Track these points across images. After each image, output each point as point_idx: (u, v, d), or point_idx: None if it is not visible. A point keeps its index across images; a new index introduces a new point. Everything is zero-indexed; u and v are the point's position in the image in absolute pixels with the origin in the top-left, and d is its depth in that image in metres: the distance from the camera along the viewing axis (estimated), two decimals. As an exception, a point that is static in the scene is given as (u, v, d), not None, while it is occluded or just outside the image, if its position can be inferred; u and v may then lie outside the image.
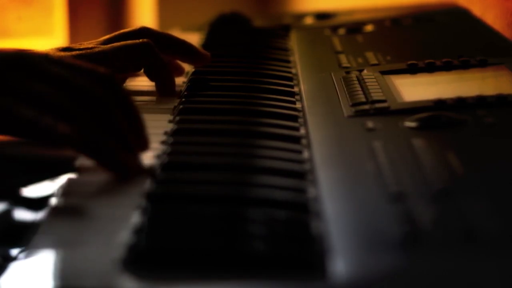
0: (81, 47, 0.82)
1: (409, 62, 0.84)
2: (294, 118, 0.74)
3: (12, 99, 0.63)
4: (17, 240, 0.53)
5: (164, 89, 0.83)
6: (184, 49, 0.86)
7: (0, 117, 0.63)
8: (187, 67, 0.93)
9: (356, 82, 0.80)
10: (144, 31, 0.83)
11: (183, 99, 0.79)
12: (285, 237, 0.52)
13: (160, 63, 0.81)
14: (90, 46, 0.82)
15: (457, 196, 0.54)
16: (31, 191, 1.07)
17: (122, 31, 0.85)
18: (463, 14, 1.10)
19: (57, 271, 0.50)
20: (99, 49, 0.81)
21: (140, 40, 0.80)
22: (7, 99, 0.63)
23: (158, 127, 0.72)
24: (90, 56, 0.80)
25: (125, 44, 0.81)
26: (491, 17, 1.09)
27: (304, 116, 0.74)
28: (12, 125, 0.63)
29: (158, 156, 0.65)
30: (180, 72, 0.90)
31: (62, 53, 0.80)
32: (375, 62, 0.88)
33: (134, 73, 0.88)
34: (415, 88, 0.78)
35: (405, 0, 1.44)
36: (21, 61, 0.65)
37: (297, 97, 0.81)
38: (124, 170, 0.63)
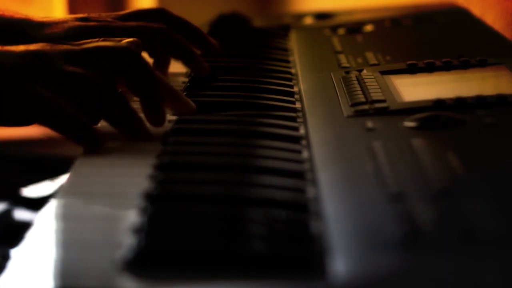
0: (99, 19, 0.83)
1: (408, 62, 0.84)
2: (294, 118, 0.74)
3: (53, 93, 0.68)
4: (17, 240, 0.53)
5: (193, 65, 0.87)
6: (197, 36, 0.89)
7: (40, 108, 0.68)
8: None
9: (356, 82, 0.80)
10: (161, 12, 0.85)
11: (183, 99, 0.79)
12: (285, 237, 0.52)
13: (181, 45, 0.83)
14: (108, 19, 0.84)
15: (457, 196, 0.54)
16: (31, 191, 1.07)
17: (140, 8, 0.87)
18: (463, 14, 1.10)
19: (57, 271, 0.50)
20: (117, 24, 0.83)
21: (158, 24, 0.81)
22: (50, 92, 0.68)
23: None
24: (107, 25, 0.82)
25: (144, 25, 0.83)
26: (491, 17, 1.09)
27: (303, 116, 0.74)
28: (49, 117, 0.68)
29: (158, 156, 0.65)
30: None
31: (80, 23, 0.82)
32: (375, 62, 0.88)
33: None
34: (414, 88, 0.78)
35: (405, 0, 1.44)
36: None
37: (297, 97, 0.81)
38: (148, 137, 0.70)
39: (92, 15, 0.85)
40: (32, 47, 0.71)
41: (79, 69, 0.70)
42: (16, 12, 0.84)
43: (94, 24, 0.83)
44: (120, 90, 0.72)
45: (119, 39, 0.77)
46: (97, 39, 0.77)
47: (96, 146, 0.68)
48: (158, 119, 0.72)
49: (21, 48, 0.70)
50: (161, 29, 0.82)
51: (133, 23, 0.84)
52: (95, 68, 0.70)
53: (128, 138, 0.71)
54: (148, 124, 0.72)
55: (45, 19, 0.84)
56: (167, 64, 0.90)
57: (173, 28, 0.86)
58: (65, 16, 0.85)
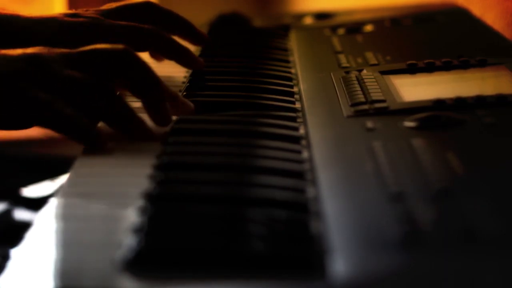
0: (88, 15, 0.84)
1: (408, 62, 0.84)
2: (294, 118, 0.74)
3: (51, 95, 0.68)
4: (17, 240, 0.53)
5: (187, 62, 0.87)
6: (185, 29, 0.89)
7: (40, 111, 0.68)
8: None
9: (356, 82, 0.80)
10: (148, 6, 0.85)
11: (183, 99, 0.79)
12: (285, 237, 0.52)
13: (172, 45, 0.83)
14: (97, 16, 0.84)
15: (457, 196, 0.54)
16: (31, 191, 1.07)
17: (126, 2, 0.86)
18: (463, 14, 1.10)
19: (57, 271, 0.50)
20: (107, 23, 0.83)
21: (147, 26, 0.81)
22: (47, 94, 0.68)
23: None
24: (97, 28, 0.82)
25: (134, 26, 0.82)
26: (491, 17, 1.09)
27: (303, 116, 0.74)
28: (49, 119, 0.68)
29: (158, 156, 0.65)
30: None
31: (69, 19, 0.82)
32: (375, 62, 0.88)
33: None
34: (414, 88, 0.78)
35: (405, 0, 1.44)
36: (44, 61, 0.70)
37: (297, 97, 0.81)
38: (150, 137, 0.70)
39: (80, 11, 0.85)
40: (29, 51, 0.71)
41: (77, 72, 0.70)
42: (2, 8, 0.84)
43: (83, 20, 0.83)
44: (118, 92, 0.72)
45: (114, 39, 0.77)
46: (93, 42, 0.76)
47: (98, 145, 0.68)
48: (163, 119, 0.72)
49: (18, 52, 0.70)
50: (151, 31, 0.82)
51: (123, 23, 0.83)
52: (93, 71, 0.71)
53: (130, 139, 0.71)
54: (152, 125, 0.72)
55: (33, 16, 0.84)
56: (188, 55, 0.90)
57: (161, 23, 0.86)
58: (53, 13, 0.85)
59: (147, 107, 0.72)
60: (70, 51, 0.72)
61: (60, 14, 0.85)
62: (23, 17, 0.84)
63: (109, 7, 0.86)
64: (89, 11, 0.85)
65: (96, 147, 0.68)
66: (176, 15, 0.89)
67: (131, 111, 0.71)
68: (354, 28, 1.06)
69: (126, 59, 0.72)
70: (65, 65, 0.70)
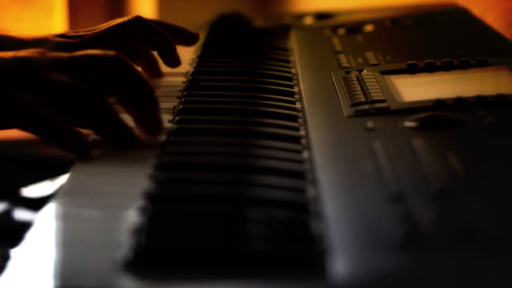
0: (75, 35, 0.84)
1: (408, 62, 0.84)
2: (294, 118, 0.74)
3: (37, 99, 0.66)
4: (17, 240, 0.53)
5: (171, 59, 0.88)
6: (177, 34, 0.90)
7: (25, 116, 0.66)
8: (187, 67, 0.93)
9: (356, 82, 0.80)
10: (137, 22, 0.86)
11: (183, 99, 0.79)
12: (285, 237, 0.52)
13: (155, 32, 0.84)
14: (84, 33, 0.84)
15: (457, 196, 0.54)
16: (31, 191, 1.07)
17: (116, 22, 0.87)
18: (463, 14, 1.10)
19: (57, 271, 0.50)
20: (94, 32, 0.85)
21: (131, 16, 0.82)
22: (34, 98, 0.66)
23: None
24: (85, 39, 0.84)
25: (117, 22, 0.83)
26: (491, 17, 1.09)
27: (303, 116, 0.74)
28: (33, 124, 0.67)
29: (158, 156, 0.65)
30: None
31: (59, 39, 0.82)
32: (375, 62, 0.88)
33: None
34: (414, 88, 0.78)
35: (405, 0, 1.44)
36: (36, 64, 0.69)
37: (297, 97, 0.81)
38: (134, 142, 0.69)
39: (69, 32, 0.86)
40: (21, 53, 0.70)
41: (66, 77, 0.68)
42: None
43: (73, 41, 0.83)
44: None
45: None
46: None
47: (83, 153, 0.67)
48: (154, 127, 0.71)
49: (10, 54, 0.69)
50: (136, 18, 0.82)
51: (109, 25, 0.84)
52: (83, 76, 0.69)
53: (118, 147, 0.69)
54: (142, 134, 0.71)
55: (25, 37, 0.84)
56: (173, 49, 0.89)
57: (153, 36, 0.86)
58: (44, 34, 0.85)
59: (137, 116, 0.71)
60: (61, 56, 0.71)
61: (51, 34, 0.85)
62: (15, 37, 0.83)
63: (99, 27, 0.86)
64: (79, 32, 0.85)
65: (81, 155, 0.67)
66: (166, 24, 0.89)
67: (120, 119, 0.69)
68: (354, 28, 1.06)
69: (117, 65, 0.70)
70: (54, 69, 0.69)
